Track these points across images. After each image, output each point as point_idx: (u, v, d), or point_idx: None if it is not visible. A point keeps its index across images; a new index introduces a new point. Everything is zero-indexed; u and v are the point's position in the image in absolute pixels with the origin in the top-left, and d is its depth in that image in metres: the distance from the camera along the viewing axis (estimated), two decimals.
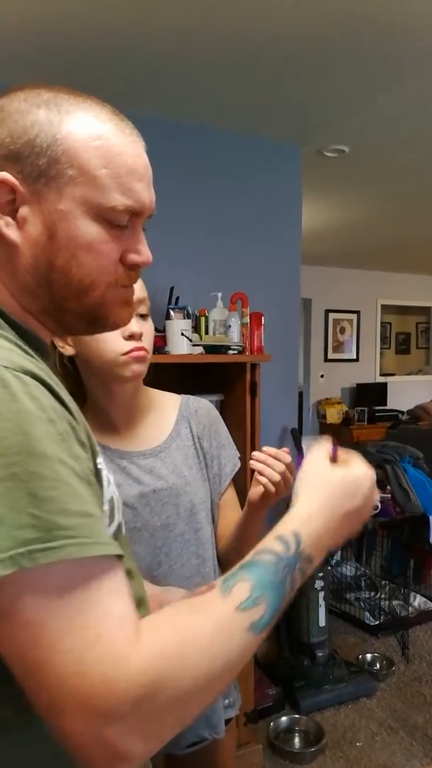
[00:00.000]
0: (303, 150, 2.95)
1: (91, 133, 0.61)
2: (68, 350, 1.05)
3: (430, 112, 2.59)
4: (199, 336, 2.16)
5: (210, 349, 2.08)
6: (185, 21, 1.88)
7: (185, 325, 2.07)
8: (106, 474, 0.64)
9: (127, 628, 0.50)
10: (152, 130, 2.77)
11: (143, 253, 0.67)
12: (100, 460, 0.62)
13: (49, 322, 0.66)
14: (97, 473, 0.60)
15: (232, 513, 1.17)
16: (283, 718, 2.48)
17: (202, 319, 2.20)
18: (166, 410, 1.16)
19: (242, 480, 1.24)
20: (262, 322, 2.23)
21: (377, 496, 0.69)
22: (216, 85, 2.31)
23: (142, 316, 1.08)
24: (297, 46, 2.03)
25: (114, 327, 0.68)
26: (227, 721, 1.20)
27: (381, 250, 5.97)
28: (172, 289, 2.28)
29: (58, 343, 1.05)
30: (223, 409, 2.26)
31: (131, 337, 1.02)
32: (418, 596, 3.49)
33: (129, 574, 0.67)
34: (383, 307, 7.59)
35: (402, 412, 6.65)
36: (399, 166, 3.34)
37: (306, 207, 3.18)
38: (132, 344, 1.03)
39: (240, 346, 2.14)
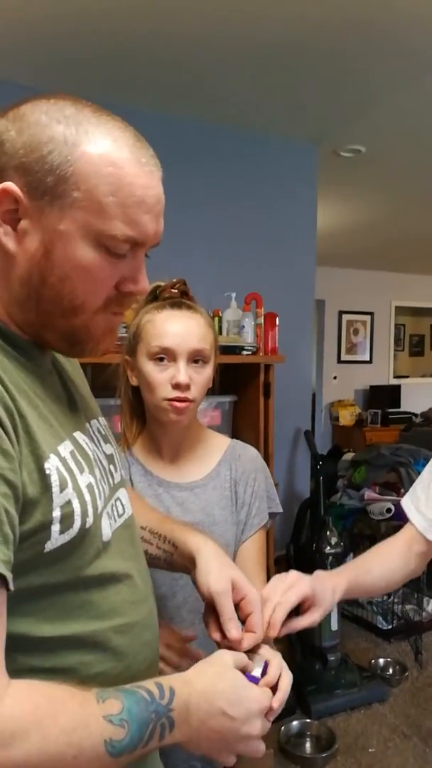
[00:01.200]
0: (319, 150, 2.93)
1: (105, 158, 0.60)
2: (133, 381, 1.13)
3: None
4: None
5: (223, 350, 2.06)
6: (201, 23, 1.87)
7: None
8: (64, 478, 0.61)
9: (1, 672, 0.50)
10: (166, 130, 2.81)
11: (140, 282, 0.66)
12: (50, 465, 0.59)
13: (31, 336, 0.66)
14: (44, 478, 0.58)
15: (249, 564, 1.15)
16: (294, 723, 2.46)
17: (216, 320, 2.19)
18: (212, 450, 1.20)
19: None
20: (276, 323, 2.22)
21: (258, 729, 0.65)
22: (233, 85, 2.30)
23: (196, 362, 1.09)
24: (313, 47, 2.02)
25: (93, 354, 0.68)
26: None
27: (396, 251, 5.92)
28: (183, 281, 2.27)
29: (128, 372, 1.13)
30: (236, 410, 2.25)
31: (177, 386, 1.05)
32: None
33: (115, 577, 0.67)
34: (397, 308, 7.54)
35: (416, 415, 6.60)
36: (415, 165, 3.31)
37: (321, 207, 3.16)
38: (176, 393, 1.06)
39: (254, 346, 2.13)
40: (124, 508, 0.75)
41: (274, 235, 2.83)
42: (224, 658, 0.68)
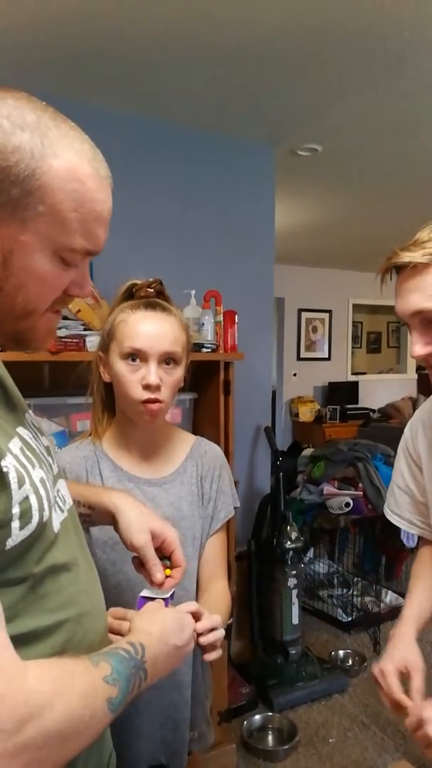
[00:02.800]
0: (276, 149, 2.95)
1: (70, 173, 0.61)
2: (106, 377, 1.15)
3: (401, 112, 2.62)
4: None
5: None
6: (159, 23, 1.86)
7: None
8: (21, 474, 0.62)
9: (15, 654, 0.54)
10: (126, 128, 2.78)
11: (85, 287, 0.70)
12: (6, 462, 0.60)
13: None
14: (3, 476, 0.59)
15: (214, 555, 1.24)
16: (257, 717, 2.48)
17: None
18: (179, 447, 1.24)
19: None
20: (236, 321, 2.23)
21: (193, 642, 0.83)
22: (191, 85, 2.30)
23: (167, 364, 1.12)
24: (269, 48, 2.03)
25: (35, 351, 0.72)
26: (189, 754, 1.24)
27: (353, 250, 6.02)
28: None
29: (101, 368, 1.16)
30: (196, 407, 2.25)
31: (147, 387, 1.09)
32: (390, 592, 3.53)
33: (65, 567, 0.69)
34: (355, 306, 7.67)
35: (373, 411, 6.73)
36: (371, 165, 3.37)
37: (279, 206, 3.18)
38: (147, 395, 1.09)
39: (213, 344, 2.13)
40: (65, 499, 0.77)
41: (233, 233, 2.84)
42: (152, 605, 0.82)
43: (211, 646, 0.91)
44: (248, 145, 2.85)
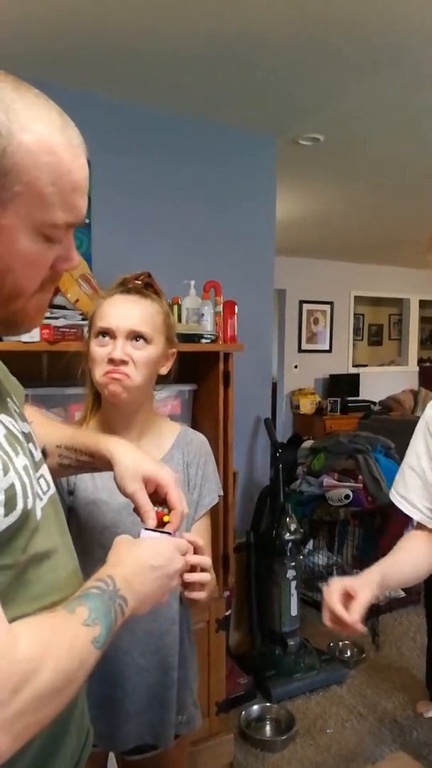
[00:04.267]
0: (278, 139, 2.93)
1: (42, 146, 0.58)
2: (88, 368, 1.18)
3: (404, 105, 2.60)
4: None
5: (183, 338, 2.05)
6: (158, 13, 1.83)
7: None
8: (5, 461, 0.62)
9: (2, 621, 0.55)
10: (127, 118, 2.76)
11: (73, 259, 0.67)
12: None
13: None
14: None
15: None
16: (255, 707, 2.49)
17: (175, 308, 2.16)
18: (165, 434, 1.27)
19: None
20: (236, 311, 2.21)
21: (180, 563, 0.81)
22: (191, 76, 2.27)
23: (136, 341, 1.14)
24: (271, 38, 2.00)
25: (26, 332, 0.70)
26: (177, 737, 1.27)
27: (355, 242, 5.99)
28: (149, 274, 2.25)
29: (86, 355, 1.17)
30: (195, 398, 2.24)
31: (111, 361, 1.12)
32: None
33: (46, 555, 0.69)
34: (356, 298, 7.64)
35: (374, 403, 6.72)
36: (373, 157, 3.34)
37: (280, 197, 3.16)
38: (110, 367, 1.12)
39: (213, 335, 2.11)
40: (48, 485, 0.76)
41: (234, 223, 2.82)
42: (124, 537, 0.81)
43: (198, 585, 0.91)
44: (250, 135, 2.82)
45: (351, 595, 1.04)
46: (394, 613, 3.38)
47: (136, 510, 0.89)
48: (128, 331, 1.12)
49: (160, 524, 0.87)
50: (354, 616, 1.01)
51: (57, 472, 0.96)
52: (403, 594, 3.50)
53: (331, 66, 2.23)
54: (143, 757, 1.24)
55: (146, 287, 1.19)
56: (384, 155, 3.31)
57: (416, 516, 1.17)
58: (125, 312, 1.13)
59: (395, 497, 1.21)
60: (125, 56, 2.14)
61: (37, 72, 2.12)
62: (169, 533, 0.86)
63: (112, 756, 1.37)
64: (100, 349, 1.13)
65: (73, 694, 0.62)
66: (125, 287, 1.18)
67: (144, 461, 0.91)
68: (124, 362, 1.11)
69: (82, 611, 0.63)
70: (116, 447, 0.92)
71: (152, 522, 0.86)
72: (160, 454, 1.24)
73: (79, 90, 2.32)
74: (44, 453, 0.85)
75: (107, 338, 1.13)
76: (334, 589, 1.05)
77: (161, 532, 0.85)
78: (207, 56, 2.14)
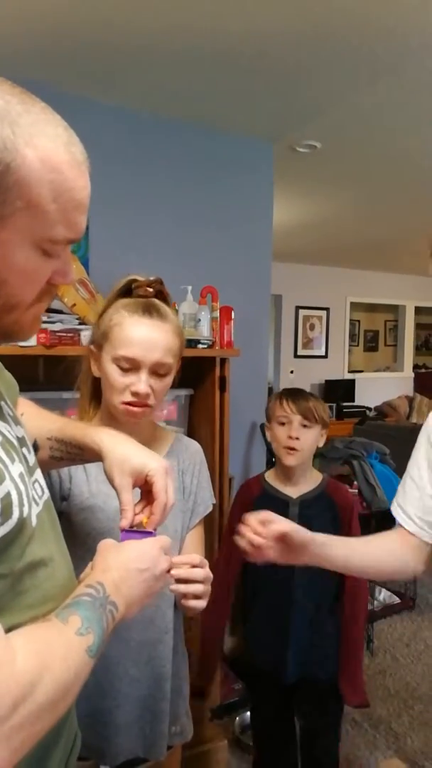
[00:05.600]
0: (275, 146, 2.94)
1: (47, 164, 0.58)
2: (96, 372, 1.17)
3: (403, 112, 2.61)
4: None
5: None
6: (159, 17, 1.84)
7: None
8: (1, 470, 0.62)
9: (3, 637, 0.55)
10: (125, 123, 2.76)
11: (68, 275, 0.68)
12: None
13: None
14: None
15: (194, 548, 1.26)
16: (248, 714, 2.48)
17: None
18: (161, 441, 1.26)
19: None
20: (232, 317, 2.21)
21: (165, 563, 0.81)
22: (189, 82, 2.29)
23: (158, 375, 1.13)
24: (270, 44, 2.02)
25: (23, 340, 0.72)
26: (170, 748, 1.25)
27: (351, 248, 6.01)
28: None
29: (92, 361, 1.17)
30: (192, 403, 2.24)
31: (135, 394, 1.10)
32: (383, 590, 3.54)
33: (42, 562, 0.68)
34: (352, 304, 7.67)
35: (369, 409, 6.73)
36: (370, 164, 3.36)
37: (277, 203, 3.17)
38: (133, 399, 1.11)
39: (209, 340, 2.12)
40: (42, 489, 0.76)
41: (231, 229, 2.83)
42: (108, 541, 0.80)
43: (192, 595, 0.91)
44: (247, 142, 2.84)
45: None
46: (389, 619, 3.37)
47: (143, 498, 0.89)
48: (153, 363, 1.10)
49: (138, 525, 0.86)
50: (264, 539, 1.02)
51: (48, 464, 0.95)
52: (397, 600, 3.51)
53: (328, 73, 2.24)
54: None
55: (157, 295, 1.16)
56: (380, 163, 3.33)
57: (410, 527, 1.14)
58: (151, 343, 1.09)
59: (394, 507, 1.19)
60: (124, 61, 2.15)
61: (34, 73, 2.13)
62: (150, 532, 0.85)
63: None
64: (121, 379, 1.10)
65: (70, 705, 0.61)
66: (139, 297, 1.14)
67: (134, 453, 0.88)
68: (147, 396, 1.11)
69: (74, 620, 0.63)
70: (105, 438, 0.90)
71: (125, 522, 0.85)
72: None
73: (78, 94, 2.33)
74: (36, 447, 0.85)
75: (129, 366, 1.10)
76: (249, 519, 1.05)
77: (142, 532, 0.85)
78: (205, 63, 2.16)
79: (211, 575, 0.93)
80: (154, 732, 1.20)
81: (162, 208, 2.63)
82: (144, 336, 1.10)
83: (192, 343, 2.07)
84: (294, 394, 1.62)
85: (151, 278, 1.16)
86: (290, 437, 1.56)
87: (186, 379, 2.22)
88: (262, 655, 1.68)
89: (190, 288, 2.21)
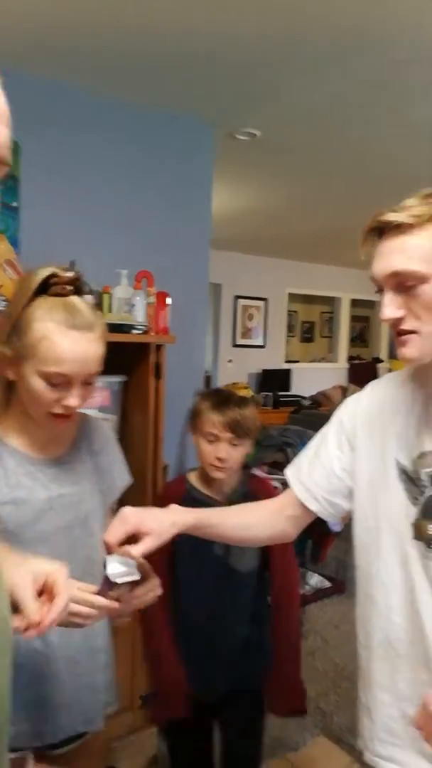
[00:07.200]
0: (216, 131, 2.92)
1: None
2: (10, 375, 1.09)
3: (343, 105, 2.64)
4: (101, 314, 2.08)
5: (112, 328, 2.01)
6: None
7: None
8: None
9: None
10: (61, 99, 2.65)
11: (71, 404, 0.92)
12: None
13: None
14: None
15: None
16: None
17: (106, 297, 2.12)
18: (71, 425, 1.21)
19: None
20: (168, 303, 2.19)
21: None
22: (130, 58, 2.22)
23: (88, 384, 1.09)
24: (214, 31, 1.99)
25: None
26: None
27: (289, 239, 6.08)
28: (73, 263, 2.18)
29: (5, 364, 1.08)
30: (125, 390, 2.20)
31: (66, 408, 1.08)
32: (315, 575, 3.63)
33: None
34: (290, 295, 7.78)
35: (305, 398, 6.86)
36: (309, 156, 3.39)
37: (218, 190, 3.16)
38: (62, 411, 1.08)
39: (144, 326, 2.09)
40: None
41: (169, 214, 2.79)
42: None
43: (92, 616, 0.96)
44: (189, 124, 2.80)
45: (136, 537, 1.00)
46: (319, 603, 3.46)
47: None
48: (85, 376, 1.07)
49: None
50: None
51: None
52: (328, 584, 3.60)
53: (270, 64, 2.24)
54: (69, 749, 1.21)
55: (77, 292, 1.08)
56: (319, 155, 3.37)
57: (313, 506, 1.13)
58: (83, 358, 1.04)
59: (296, 484, 1.16)
60: (63, 34, 2.07)
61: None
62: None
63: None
64: (50, 394, 1.05)
65: None
66: (56, 294, 1.06)
67: (15, 571, 0.85)
68: (78, 406, 1.09)
69: None
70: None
71: (17, 623, 0.83)
72: (68, 445, 1.21)
73: (11, 68, 2.23)
74: None
75: (60, 381, 1.05)
76: (125, 520, 1.00)
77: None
78: (148, 42, 2.10)
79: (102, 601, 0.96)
80: (93, 704, 1.22)
81: (98, 188, 2.56)
82: (75, 352, 1.04)
83: (126, 329, 2.03)
84: (221, 404, 1.49)
85: (70, 274, 1.07)
86: (218, 458, 1.48)
87: (120, 366, 2.19)
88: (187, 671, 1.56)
89: (125, 272, 2.17)
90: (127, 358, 2.13)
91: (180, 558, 1.51)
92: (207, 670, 1.55)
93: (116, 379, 2.15)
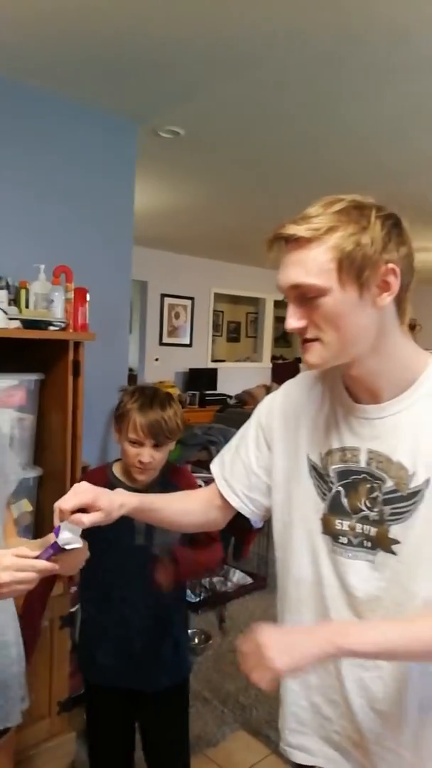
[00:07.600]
0: (139, 128, 2.89)
1: None
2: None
3: (265, 105, 2.67)
4: (18, 309, 2.01)
5: (29, 324, 1.95)
6: None
7: (2, 296, 1.93)
8: None
9: None
10: None
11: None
12: None
13: None
14: None
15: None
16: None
17: (23, 292, 2.05)
18: None
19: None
20: (87, 299, 2.14)
21: None
22: (55, 50, 2.15)
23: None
24: (137, 27, 1.96)
25: None
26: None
27: (214, 239, 6.12)
28: None
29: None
30: (42, 388, 2.14)
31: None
32: (237, 572, 3.67)
33: None
34: (216, 295, 7.83)
35: (230, 397, 6.94)
36: (231, 156, 3.42)
37: (142, 187, 3.13)
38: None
39: (63, 322, 2.04)
40: None
41: (90, 209, 2.73)
42: None
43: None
44: (110, 119, 2.75)
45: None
46: (241, 599, 3.51)
47: None
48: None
49: None
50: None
51: None
52: (250, 580, 3.66)
53: (192, 62, 2.23)
54: None
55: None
56: (241, 155, 3.40)
57: (234, 503, 1.16)
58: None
59: (220, 481, 1.19)
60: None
61: None
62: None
63: None
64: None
65: None
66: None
67: None
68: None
69: None
70: None
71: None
72: None
73: None
74: None
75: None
76: (81, 492, 1.02)
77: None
78: (69, 32, 2.05)
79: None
80: (8, 700, 1.22)
81: (16, 179, 2.47)
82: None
83: (43, 325, 1.98)
84: (145, 407, 1.52)
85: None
86: (141, 462, 1.52)
87: (36, 363, 2.13)
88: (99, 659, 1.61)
89: (42, 267, 2.11)
90: (45, 355, 2.08)
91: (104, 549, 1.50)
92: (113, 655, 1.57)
93: (33, 377, 2.09)
